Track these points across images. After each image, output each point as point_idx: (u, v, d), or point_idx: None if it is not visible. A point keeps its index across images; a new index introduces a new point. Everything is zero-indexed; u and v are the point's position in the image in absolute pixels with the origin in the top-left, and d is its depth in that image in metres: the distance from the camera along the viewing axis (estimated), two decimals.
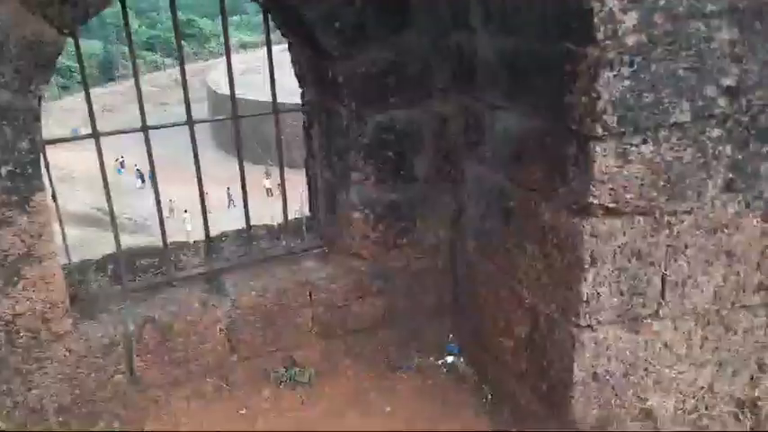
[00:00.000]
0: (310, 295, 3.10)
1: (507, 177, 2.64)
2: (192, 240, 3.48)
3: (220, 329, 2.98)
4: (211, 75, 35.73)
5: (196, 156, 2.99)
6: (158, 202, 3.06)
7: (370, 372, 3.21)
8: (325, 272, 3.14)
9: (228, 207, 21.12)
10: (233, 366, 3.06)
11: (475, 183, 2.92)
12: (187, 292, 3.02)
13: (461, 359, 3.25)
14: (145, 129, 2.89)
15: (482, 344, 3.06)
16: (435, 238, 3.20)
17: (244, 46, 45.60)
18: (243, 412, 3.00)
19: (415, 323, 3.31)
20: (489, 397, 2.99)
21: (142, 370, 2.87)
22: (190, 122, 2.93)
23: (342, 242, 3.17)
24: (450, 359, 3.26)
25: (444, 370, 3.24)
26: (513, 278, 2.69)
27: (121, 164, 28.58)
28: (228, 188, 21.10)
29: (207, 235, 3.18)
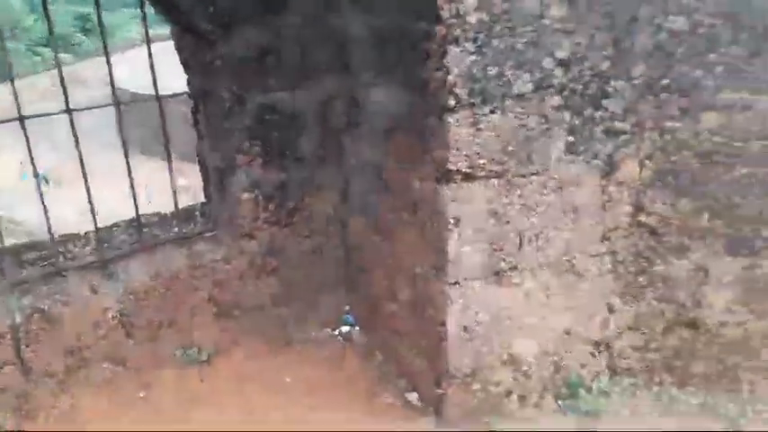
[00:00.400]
0: (204, 277, 3.18)
1: (383, 151, 2.82)
2: (82, 232, 3.45)
3: (113, 316, 3.00)
4: (114, 70, 34.12)
5: (77, 142, 2.97)
6: (40, 191, 3.03)
7: (269, 347, 3.32)
8: (218, 254, 3.21)
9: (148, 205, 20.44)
10: (129, 351, 3.08)
11: (357, 159, 3.09)
12: (77, 281, 3.01)
13: (357, 328, 3.43)
14: (21, 119, 2.86)
15: (373, 311, 3.24)
16: (326, 216, 3.34)
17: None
18: (142, 395, 3.05)
19: (312, 298, 3.45)
20: (380, 359, 3.19)
21: (33, 360, 2.85)
22: (68, 110, 2.92)
23: (233, 224, 3.25)
24: (345, 329, 3.43)
25: (341, 340, 3.40)
26: (394, 246, 2.89)
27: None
28: (147, 185, 20.45)
29: (95, 224, 3.18)
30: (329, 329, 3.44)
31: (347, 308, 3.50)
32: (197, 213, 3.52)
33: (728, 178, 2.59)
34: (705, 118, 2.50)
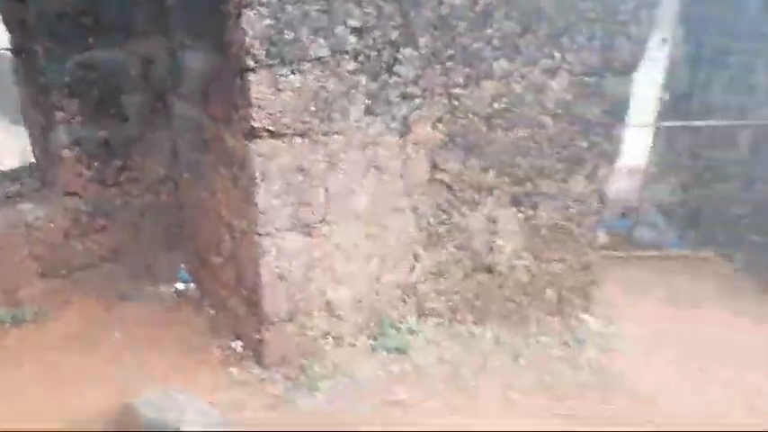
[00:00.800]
0: (27, 236, 3.16)
1: (201, 110, 2.93)
2: None
3: None
4: None
5: None
6: None
7: (99, 305, 3.37)
8: (42, 212, 3.20)
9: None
10: None
11: (181, 118, 3.18)
12: None
13: (191, 284, 3.54)
14: None
15: (204, 266, 3.38)
16: (156, 174, 3.41)
17: None
18: None
19: (146, 256, 3.52)
20: (211, 312, 3.34)
21: None
22: None
23: (58, 182, 3.24)
24: (180, 286, 3.54)
25: (175, 296, 3.51)
26: (216, 201, 3.03)
27: None
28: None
29: None
30: (164, 286, 3.53)
31: (182, 265, 3.60)
32: (26, 173, 3.47)
33: (509, 140, 2.96)
34: (486, 86, 2.82)
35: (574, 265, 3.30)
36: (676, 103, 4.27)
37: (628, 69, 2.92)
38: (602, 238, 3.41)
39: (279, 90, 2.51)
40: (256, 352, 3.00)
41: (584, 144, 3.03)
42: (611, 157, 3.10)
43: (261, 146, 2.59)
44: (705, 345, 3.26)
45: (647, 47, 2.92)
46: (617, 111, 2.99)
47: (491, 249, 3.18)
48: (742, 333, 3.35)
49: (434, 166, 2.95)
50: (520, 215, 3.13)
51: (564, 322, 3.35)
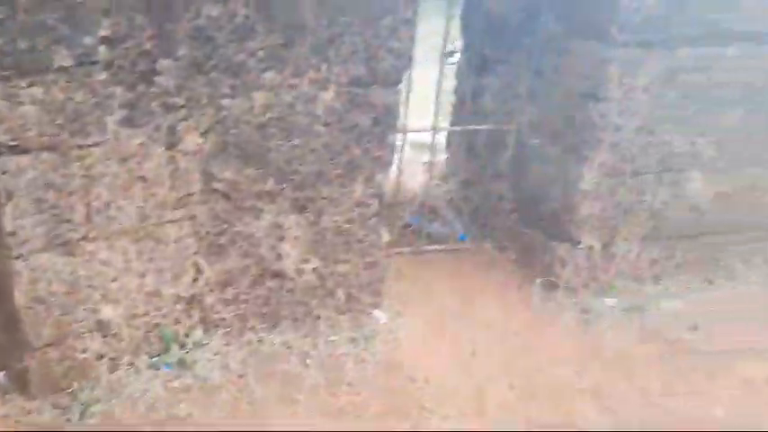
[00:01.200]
0: None
1: None
2: None
3: None
4: None
5: None
6: None
7: None
8: None
9: None
10: None
11: None
12: None
13: None
14: None
15: None
16: None
17: None
18: None
19: None
20: None
21: None
22: None
23: None
24: None
25: None
26: None
27: None
28: None
29: None
30: None
31: None
32: None
33: (286, 148, 3.02)
34: (257, 96, 2.85)
35: (360, 265, 3.46)
36: (460, 107, 4.63)
37: (393, 81, 3.11)
38: (387, 236, 3.60)
39: (19, 103, 2.34)
40: (20, 382, 2.80)
41: (358, 151, 3.18)
42: (385, 162, 3.29)
43: (3, 162, 2.40)
44: (479, 332, 3.59)
45: (410, 60, 3.14)
46: (386, 119, 3.18)
47: (279, 255, 3.24)
48: (510, 320, 3.74)
49: (209, 176, 2.93)
50: (303, 220, 3.21)
51: (354, 320, 3.51)
